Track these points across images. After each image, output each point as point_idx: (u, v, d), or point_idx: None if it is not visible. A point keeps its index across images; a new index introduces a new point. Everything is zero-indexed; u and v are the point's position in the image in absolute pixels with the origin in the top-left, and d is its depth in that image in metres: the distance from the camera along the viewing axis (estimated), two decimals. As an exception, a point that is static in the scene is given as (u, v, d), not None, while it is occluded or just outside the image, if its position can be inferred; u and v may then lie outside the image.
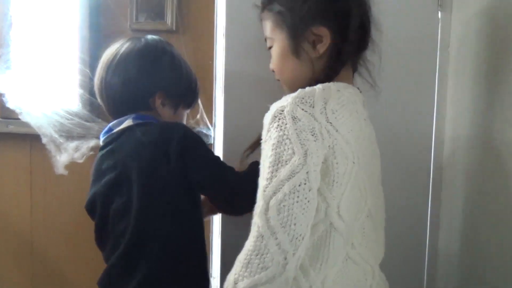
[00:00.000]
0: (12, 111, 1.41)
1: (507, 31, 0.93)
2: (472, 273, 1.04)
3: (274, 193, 0.68)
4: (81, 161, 1.32)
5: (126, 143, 0.99)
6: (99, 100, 1.08)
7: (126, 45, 1.04)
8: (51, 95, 1.49)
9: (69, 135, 1.37)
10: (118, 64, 1.02)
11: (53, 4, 1.52)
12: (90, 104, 1.46)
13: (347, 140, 0.74)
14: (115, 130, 1.03)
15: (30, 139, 1.51)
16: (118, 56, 1.02)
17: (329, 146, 0.72)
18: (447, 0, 1.12)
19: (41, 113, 1.40)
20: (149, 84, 1.03)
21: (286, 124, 0.70)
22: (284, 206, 0.67)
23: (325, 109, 0.73)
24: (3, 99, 1.40)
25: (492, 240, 0.96)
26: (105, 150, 1.02)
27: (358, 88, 0.85)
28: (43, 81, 1.49)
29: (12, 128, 1.55)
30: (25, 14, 1.50)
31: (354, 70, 0.88)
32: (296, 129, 0.70)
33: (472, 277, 1.04)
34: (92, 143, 1.32)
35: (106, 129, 1.05)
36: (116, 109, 1.05)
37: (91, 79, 1.41)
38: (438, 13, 1.12)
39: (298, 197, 0.68)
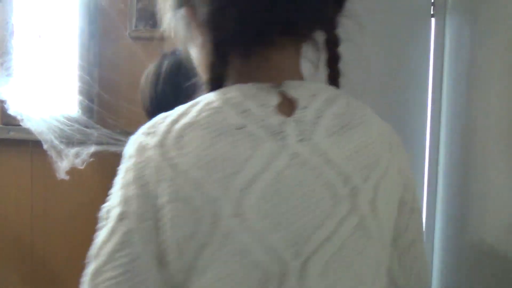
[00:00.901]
0: (14, 118, 1.43)
1: (503, 35, 0.94)
2: (470, 273, 1.05)
3: (95, 258, 0.48)
4: (81, 167, 1.33)
5: None
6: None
7: (166, 61, 1.04)
8: (51, 102, 1.51)
9: (69, 141, 1.39)
10: (165, 80, 1.02)
11: (53, 12, 1.54)
12: (89, 111, 1.48)
13: (197, 181, 0.46)
14: None
15: (31, 145, 1.53)
16: (162, 73, 1.03)
17: (157, 195, 0.47)
18: (440, 7, 1.13)
19: (42, 119, 1.42)
20: (197, 92, 1.04)
21: (121, 164, 0.51)
22: (99, 283, 0.46)
23: (167, 137, 0.49)
24: (5, 105, 1.42)
25: (488, 239, 0.97)
26: None
27: (279, 86, 0.52)
28: (43, 88, 1.51)
29: (13, 134, 1.57)
30: (26, 23, 1.53)
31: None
32: (125, 171, 0.50)
33: (470, 278, 1.04)
34: (92, 149, 1.34)
35: None
36: None
37: (91, 86, 1.44)
38: (431, 20, 1.14)
39: (117, 269, 0.46)
